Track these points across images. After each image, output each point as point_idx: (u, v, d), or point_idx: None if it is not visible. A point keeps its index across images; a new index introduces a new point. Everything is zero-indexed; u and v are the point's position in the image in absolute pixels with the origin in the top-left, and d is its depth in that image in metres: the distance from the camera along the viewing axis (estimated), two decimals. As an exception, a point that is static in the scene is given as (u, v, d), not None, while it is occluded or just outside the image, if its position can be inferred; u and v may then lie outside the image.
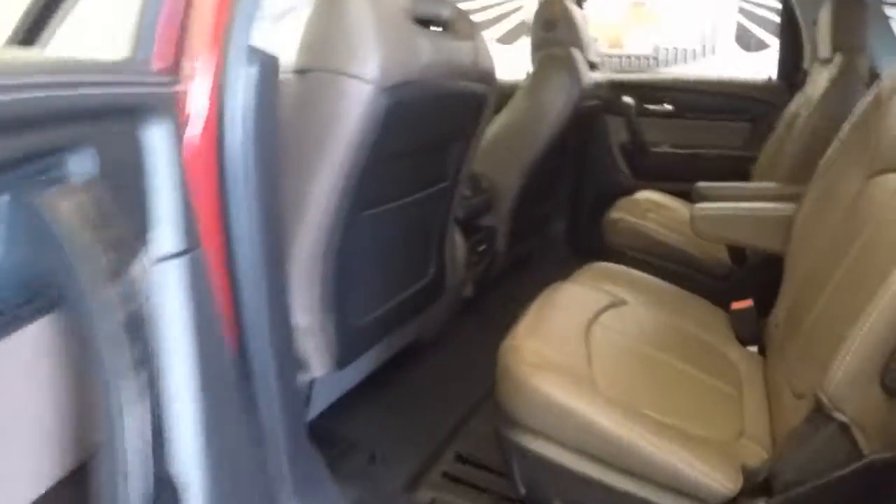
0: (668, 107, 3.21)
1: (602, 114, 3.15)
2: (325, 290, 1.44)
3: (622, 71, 3.82)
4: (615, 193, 2.81)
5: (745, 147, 3.07)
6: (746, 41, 7.92)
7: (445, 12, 1.59)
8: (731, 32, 8.22)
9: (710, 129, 3.16)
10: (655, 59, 8.08)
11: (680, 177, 3.01)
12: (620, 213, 2.47)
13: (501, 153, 2.55)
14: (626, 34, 7.97)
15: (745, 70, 6.45)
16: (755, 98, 3.13)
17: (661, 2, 8.21)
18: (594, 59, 2.97)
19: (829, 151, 1.59)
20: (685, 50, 8.12)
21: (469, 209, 2.26)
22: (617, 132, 3.21)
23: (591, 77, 2.83)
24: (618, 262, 2.26)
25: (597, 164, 3.26)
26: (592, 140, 3.20)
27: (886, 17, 2.48)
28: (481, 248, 2.40)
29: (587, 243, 2.81)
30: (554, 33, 2.82)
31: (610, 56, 7.43)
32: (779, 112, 2.76)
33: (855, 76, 2.19)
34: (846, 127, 1.56)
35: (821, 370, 1.07)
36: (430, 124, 1.62)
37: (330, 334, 1.47)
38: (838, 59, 2.24)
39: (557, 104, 2.58)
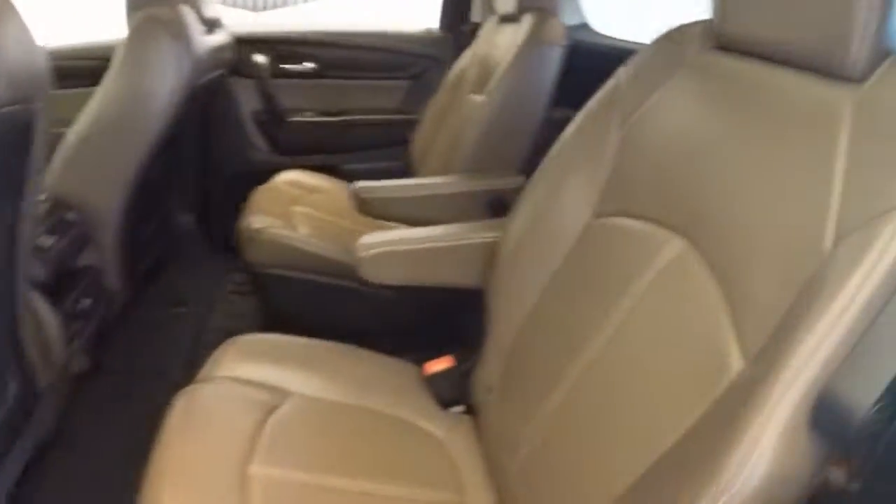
0: (310, 65, 2.60)
1: (228, 77, 2.44)
2: None
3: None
4: (252, 173, 2.31)
5: (403, 109, 2.64)
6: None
7: None
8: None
9: (361, 91, 2.65)
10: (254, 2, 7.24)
11: (329, 148, 2.64)
12: (259, 218, 1.83)
13: (94, 163, 1.71)
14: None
15: (354, 11, 6.07)
16: (414, 53, 2.66)
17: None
18: (214, 14, 2.18)
19: (546, 163, 1.17)
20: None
21: (52, 262, 1.48)
22: (248, 99, 2.54)
23: (210, 41, 2.06)
24: (262, 280, 1.82)
25: (225, 139, 2.57)
26: (218, 111, 2.49)
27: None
28: (85, 302, 1.63)
29: (224, 234, 2.21)
30: None
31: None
32: (443, 68, 2.37)
33: (550, 45, 1.82)
34: (568, 132, 1.14)
35: None
36: None
37: None
38: (529, 19, 1.86)
39: (164, 86, 1.74)
